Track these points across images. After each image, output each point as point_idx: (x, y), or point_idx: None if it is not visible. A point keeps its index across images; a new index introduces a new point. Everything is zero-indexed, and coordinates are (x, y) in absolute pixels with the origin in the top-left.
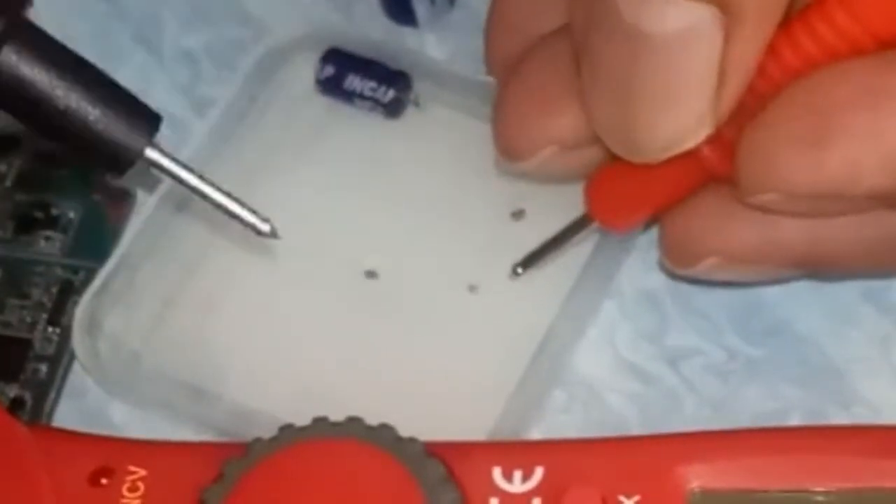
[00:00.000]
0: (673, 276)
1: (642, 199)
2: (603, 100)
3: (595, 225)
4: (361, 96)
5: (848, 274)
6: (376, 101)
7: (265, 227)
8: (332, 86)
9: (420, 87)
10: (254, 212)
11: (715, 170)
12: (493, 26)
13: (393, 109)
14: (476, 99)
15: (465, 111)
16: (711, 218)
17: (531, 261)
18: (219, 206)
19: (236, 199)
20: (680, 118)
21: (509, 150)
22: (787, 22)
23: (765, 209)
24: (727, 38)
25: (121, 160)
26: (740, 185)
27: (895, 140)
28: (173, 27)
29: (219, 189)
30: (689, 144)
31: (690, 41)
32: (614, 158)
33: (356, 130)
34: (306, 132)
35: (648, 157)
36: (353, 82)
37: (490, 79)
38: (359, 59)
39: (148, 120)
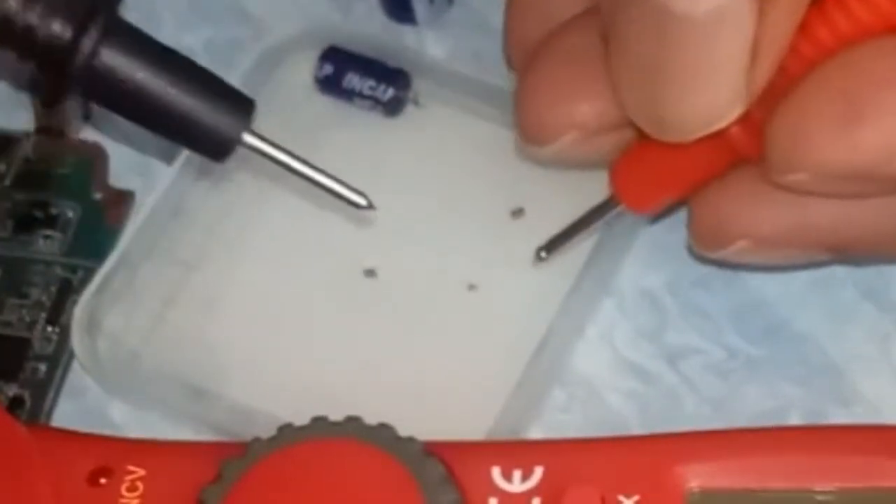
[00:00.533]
0: (702, 259)
1: (668, 181)
2: (633, 81)
3: (620, 208)
4: (360, 95)
5: (879, 258)
6: (375, 100)
7: (362, 201)
8: (331, 84)
9: (419, 85)
10: (350, 187)
11: (744, 150)
12: (513, 12)
13: (392, 108)
14: (475, 97)
15: (465, 109)
16: (741, 200)
17: (554, 245)
18: (316, 184)
19: (332, 177)
20: (712, 98)
21: (532, 136)
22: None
23: (795, 189)
24: (760, 16)
25: (221, 147)
26: (770, 165)
27: None
28: (172, 26)
29: (315, 168)
30: (721, 124)
31: (723, 21)
32: (640, 140)
33: (355, 129)
34: (305, 131)
35: (680, 138)
36: (353, 81)
37: (489, 77)
38: (358, 57)
39: (243, 106)
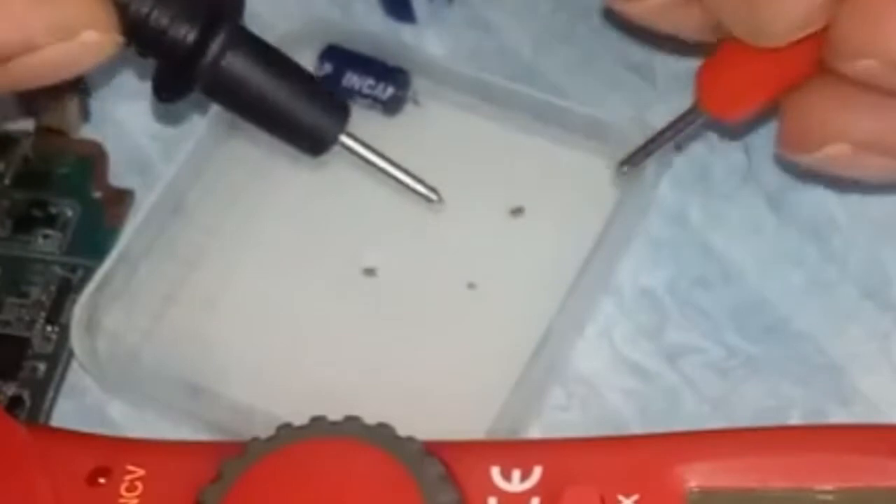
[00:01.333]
0: (791, 167)
1: (756, 86)
2: None
3: (704, 117)
4: (360, 93)
5: None
6: (375, 99)
7: (434, 196)
8: (330, 83)
9: (419, 84)
10: (424, 183)
11: None
12: None
13: (391, 106)
14: (475, 96)
15: (464, 108)
16: (836, 101)
17: (636, 158)
18: (396, 179)
19: (410, 173)
20: None
21: None
22: None
23: (860, 79)
24: None
25: (320, 144)
26: (835, 48)
27: None
28: None
29: (397, 165)
30: (819, 24)
31: None
32: (727, 43)
33: (355, 128)
34: None
35: (775, 42)
36: (352, 79)
37: (488, 76)
38: (357, 56)
39: (342, 110)
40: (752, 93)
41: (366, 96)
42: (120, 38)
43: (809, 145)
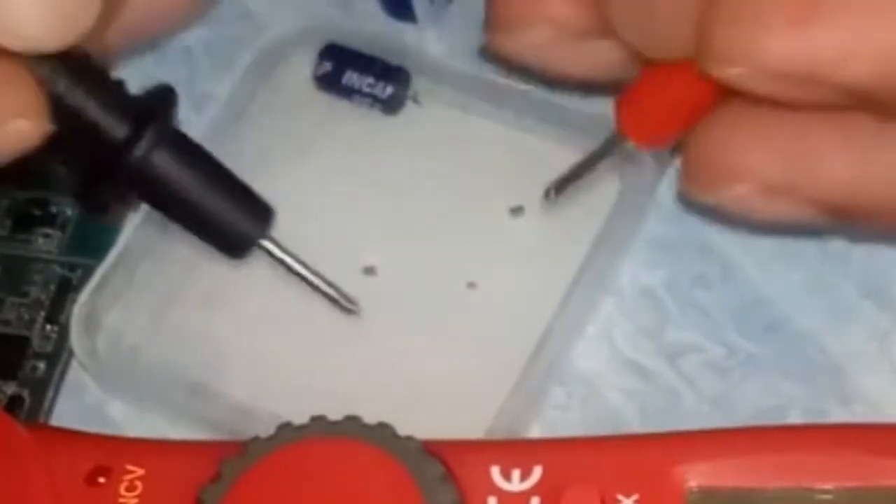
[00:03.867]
0: (693, 208)
1: (673, 113)
2: None
3: (626, 143)
4: (360, 92)
5: (888, 232)
6: (374, 97)
7: (353, 307)
8: (330, 82)
9: (418, 83)
10: (342, 293)
11: None
12: None
13: (391, 105)
14: (474, 95)
15: (464, 107)
16: (743, 136)
17: (563, 184)
18: (317, 288)
19: (331, 284)
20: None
21: (500, 20)
22: None
23: (730, 85)
24: None
25: (240, 248)
26: (706, 53)
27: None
28: None
29: (317, 274)
30: None
31: None
32: (644, 69)
33: (354, 126)
34: (304, 128)
35: (669, 52)
36: (352, 78)
37: (488, 75)
38: (357, 54)
39: (264, 214)
40: (673, 119)
41: (365, 95)
42: (49, 127)
43: (714, 183)
